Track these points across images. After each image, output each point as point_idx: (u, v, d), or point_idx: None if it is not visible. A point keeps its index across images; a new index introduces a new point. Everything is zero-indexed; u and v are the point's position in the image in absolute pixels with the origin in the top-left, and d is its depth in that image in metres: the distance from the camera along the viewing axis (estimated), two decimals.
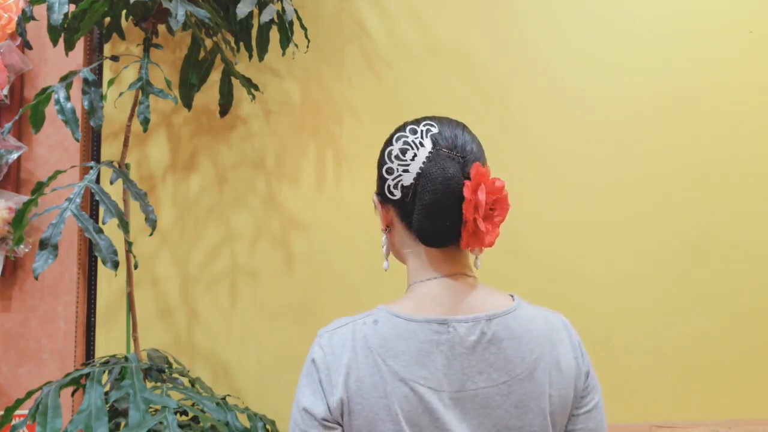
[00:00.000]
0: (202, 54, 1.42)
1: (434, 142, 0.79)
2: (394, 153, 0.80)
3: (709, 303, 1.55)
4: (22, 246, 1.47)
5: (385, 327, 0.76)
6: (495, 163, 1.55)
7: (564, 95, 1.60)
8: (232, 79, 1.47)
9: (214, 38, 1.43)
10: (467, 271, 0.82)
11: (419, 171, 0.78)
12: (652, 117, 1.59)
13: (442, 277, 0.80)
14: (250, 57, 1.48)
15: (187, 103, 1.44)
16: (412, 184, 0.78)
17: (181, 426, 1.13)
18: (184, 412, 1.25)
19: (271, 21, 1.32)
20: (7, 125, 1.23)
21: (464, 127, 0.83)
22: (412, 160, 0.79)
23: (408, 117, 0.86)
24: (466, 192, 0.75)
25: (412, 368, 0.73)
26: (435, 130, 0.80)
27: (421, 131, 0.80)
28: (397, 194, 0.80)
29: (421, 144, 0.79)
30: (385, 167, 0.81)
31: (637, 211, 1.57)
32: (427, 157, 0.78)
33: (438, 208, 0.75)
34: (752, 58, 1.61)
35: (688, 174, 1.58)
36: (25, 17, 1.24)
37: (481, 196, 0.74)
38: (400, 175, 0.79)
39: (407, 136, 0.81)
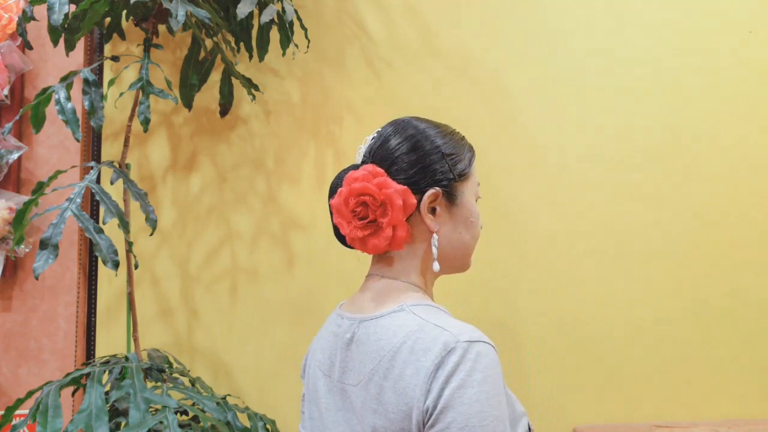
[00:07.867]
0: (202, 54, 1.42)
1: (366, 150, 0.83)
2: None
3: (709, 303, 1.55)
4: (22, 246, 1.47)
5: (329, 316, 0.89)
6: (495, 163, 1.56)
7: (564, 95, 1.60)
8: (233, 79, 1.47)
9: (215, 38, 1.43)
10: (384, 272, 0.81)
11: None
12: (651, 117, 1.59)
13: (368, 275, 0.84)
14: (251, 57, 1.48)
15: (188, 104, 1.44)
16: None
17: (181, 426, 1.13)
18: (185, 412, 1.26)
19: (271, 21, 1.32)
20: (8, 125, 1.23)
21: (395, 128, 0.81)
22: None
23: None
24: (332, 199, 0.79)
25: (319, 352, 0.85)
26: (375, 136, 0.83)
27: (367, 140, 0.84)
28: None
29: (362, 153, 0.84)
30: None
31: (639, 212, 1.57)
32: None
33: (330, 214, 0.82)
34: (752, 58, 1.61)
35: (689, 174, 1.58)
36: (26, 17, 1.24)
37: (336, 200, 0.78)
38: None
39: (361, 147, 0.85)
